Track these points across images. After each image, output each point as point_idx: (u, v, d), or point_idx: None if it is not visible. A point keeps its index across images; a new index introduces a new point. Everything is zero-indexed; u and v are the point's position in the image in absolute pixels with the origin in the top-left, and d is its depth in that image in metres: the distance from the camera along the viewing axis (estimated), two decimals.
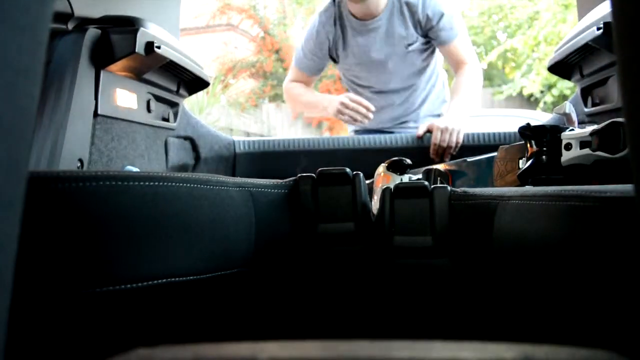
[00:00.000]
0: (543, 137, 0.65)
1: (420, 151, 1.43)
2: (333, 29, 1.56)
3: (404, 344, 0.16)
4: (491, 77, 9.25)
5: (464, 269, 0.53)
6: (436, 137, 1.37)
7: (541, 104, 6.90)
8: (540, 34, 6.76)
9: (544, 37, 6.70)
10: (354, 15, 1.52)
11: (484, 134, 1.44)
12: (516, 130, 1.45)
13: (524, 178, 0.66)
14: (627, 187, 0.33)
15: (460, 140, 1.38)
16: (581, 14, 1.23)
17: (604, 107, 1.12)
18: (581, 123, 1.24)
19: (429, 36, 1.52)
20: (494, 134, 1.44)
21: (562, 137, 0.63)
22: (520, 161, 0.71)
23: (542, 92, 6.88)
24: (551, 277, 0.38)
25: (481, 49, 9.16)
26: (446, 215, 0.53)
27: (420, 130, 1.43)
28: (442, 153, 1.38)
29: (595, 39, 0.96)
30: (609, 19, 0.90)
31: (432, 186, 0.55)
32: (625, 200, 0.30)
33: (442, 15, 1.48)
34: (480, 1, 8.98)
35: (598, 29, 0.94)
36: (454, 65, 1.56)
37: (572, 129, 0.65)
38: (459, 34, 1.52)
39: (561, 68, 1.23)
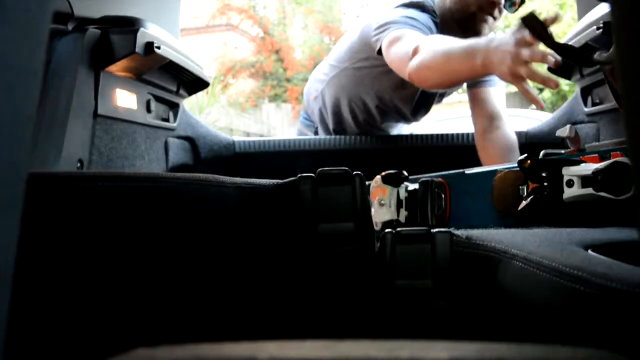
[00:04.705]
0: (543, 172, 0.64)
1: (419, 152, 1.43)
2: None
3: (404, 344, 0.16)
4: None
5: (464, 312, 0.53)
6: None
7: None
8: None
9: None
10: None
11: None
12: (515, 130, 1.44)
13: (526, 215, 0.65)
14: (636, 273, 0.32)
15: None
16: (581, 14, 1.23)
17: (603, 106, 1.12)
18: (581, 123, 1.24)
19: None
20: None
21: (563, 172, 0.62)
22: (521, 188, 0.69)
23: (540, 90, 6.89)
24: (551, 342, 0.37)
25: None
26: (447, 260, 0.53)
27: None
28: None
29: (595, 39, 0.96)
30: (609, 19, 0.89)
31: (434, 230, 0.55)
32: (627, 294, 0.29)
33: None
34: None
35: (598, 28, 0.94)
36: (480, 115, 1.27)
37: (577, 154, 0.64)
38: (494, 85, 1.28)
39: (561, 68, 1.23)
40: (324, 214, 0.58)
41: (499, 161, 1.16)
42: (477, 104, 1.28)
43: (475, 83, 1.29)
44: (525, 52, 0.85)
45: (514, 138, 1.22)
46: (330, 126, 1.52)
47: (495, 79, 1.27)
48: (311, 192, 0.58)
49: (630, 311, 0.29)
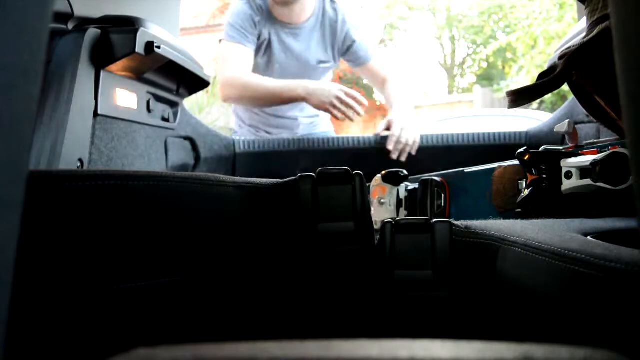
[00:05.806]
0: (541, 165, 0.64)
1: (419, 152, 1.43)
2: (260, 17, 1.50)
3: (404, 344, 0.16)
4: (491, 76, 9.27)
5: (464, 302, 0.53)
6: (395, 134, 1.37)
7: (535, 104, 6.92)
8: (537, 31, 6.78)
9: (540, 33, 6.72)
10: (276, 17, 1.51)
11: (483, 134, 1.44)
12: (516, 130, 1.44)
13: (525, 206, 0.65)
14: (635, 254, 0.32)
15: (418, 140, 1.40)
16: (581, 14, 1.23)
17: None
18: (581, 123, 1.24)
19: (347, 59, 1.62)
20: (493, 134, 1.44)
21: (562, 164, 0.62)
22: (520, 182, 0.69)
23: None
24: (552, 329, 0.37)
25: (481, 48, 9.18)
26: (447, 250, 0.53)
27: (380, 129, 1.44)
28: (401, 150, 1.38)
29: None
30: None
31: (433, 220, 0.55)
32: (627, 274, 0.30)
33: (359, 38, 1.56)
34: (480, 1, 9.00)
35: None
36: (377, 83, 1.65)
37: (576, 149, 0.64)
38: (374, 54, 1.61)
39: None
40: (324, 213, 0.58)
41: (394, 100, 1.54)
42: (370, 75, 1.67)
43: (359, 64, 1.63)
44: (337, 101, 1.36)
45: (400, 86, 1.61)
46: (245, 119, 1.66)
47: (371, 54, 1.61)
48: (311, 192, 0.58)
49: (631, 290, 0.29)
